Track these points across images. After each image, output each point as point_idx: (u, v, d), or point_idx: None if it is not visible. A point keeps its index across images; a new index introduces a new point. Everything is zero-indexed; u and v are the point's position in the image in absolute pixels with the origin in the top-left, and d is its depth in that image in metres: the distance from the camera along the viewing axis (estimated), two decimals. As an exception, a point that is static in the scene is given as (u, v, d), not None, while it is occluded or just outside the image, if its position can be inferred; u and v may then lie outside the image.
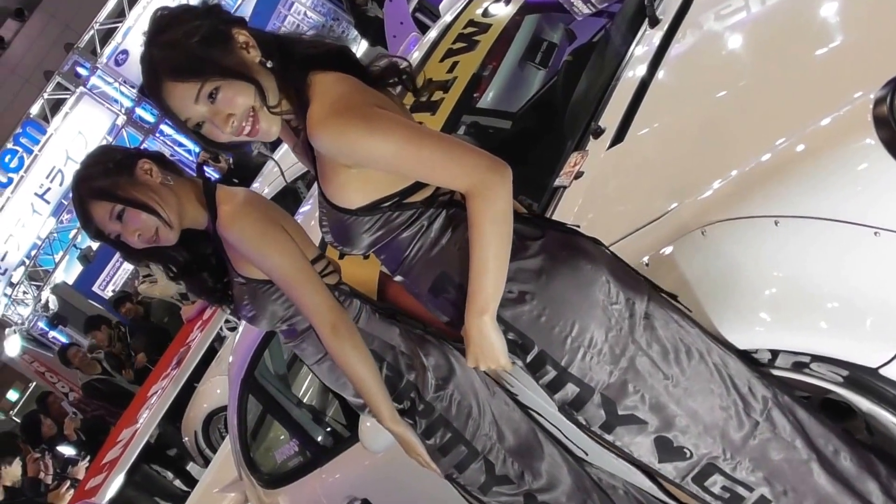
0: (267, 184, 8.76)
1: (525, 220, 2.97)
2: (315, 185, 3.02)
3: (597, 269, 2.88)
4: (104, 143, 22.55)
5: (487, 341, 2.90)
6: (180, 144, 22.79)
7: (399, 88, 3.05)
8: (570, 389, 2.92)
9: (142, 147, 18.82)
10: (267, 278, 3.23)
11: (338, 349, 3.20)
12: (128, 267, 22.73)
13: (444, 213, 2.93)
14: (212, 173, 12.67)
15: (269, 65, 2.81)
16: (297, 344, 3.50)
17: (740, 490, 2.93)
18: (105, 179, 3.17)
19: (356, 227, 2.91)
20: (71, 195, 3.28)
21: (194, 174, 3.37)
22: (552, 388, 2.96)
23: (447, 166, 2.73)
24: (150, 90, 2.83)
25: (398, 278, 3.10)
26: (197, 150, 17.79)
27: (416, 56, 5.98)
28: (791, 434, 2.88)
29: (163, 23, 2.82)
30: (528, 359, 2.95)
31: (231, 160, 13.08)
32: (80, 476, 10.11)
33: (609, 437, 2.96)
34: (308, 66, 2.83)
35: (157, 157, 3.28)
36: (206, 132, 2.84)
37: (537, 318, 2.88)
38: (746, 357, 2.94)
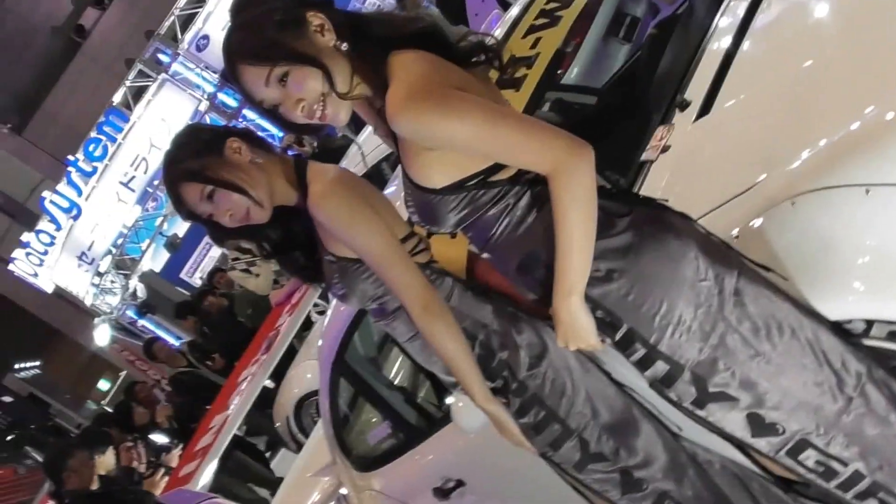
0: (351, 167, 8.78)
1: (612, 196, 2.97)
2: (400, 166, 3.05)
3: (685, 246, 2.87)
4: (188, 127, 22.61)
5: (577, 322, 2.92)
6: (263, 129, 22.79)
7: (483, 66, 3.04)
8: (660, 367, 2.92)
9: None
10: (357, 257, 3.27)
11: (429, 328, 3.22)
12: (214, 253, 22.89)
13: (530, 191, 2.92)
14: (297, 157, 12.69)
15: (343, 48, 2.85)
16: (388, 322, 3.53)
17: (835, 465, 2.91)
18: (194, 161, 3.21)
19: (441, 206, 2.94)
20: (161, 177, 3.34)
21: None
22: (642, 365, 2.96)
23: (525, 148, 2.74)
24: (228, 71, 2.90)
25: (486, 255, 3.13)
26: (280, 134, 17.81)
27: (498, 33, 5.97)
28: (886, 409, 2.85)
29: (243, 2, 2.89)
30: (617, 336, 2.95)
31: (315, 144, 13.12)
32: (174, 464, 10.20)
33: (701, 413, 2.97)
34: (388, 46, 2.84)
35: (246, 135, 3.31)
36: (282, 112, 2.89)
37: (625, 296, 2.88)
38: (840, 330, 2.91)
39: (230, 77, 2.91)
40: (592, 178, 2.75)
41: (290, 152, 12.25)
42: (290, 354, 10.55)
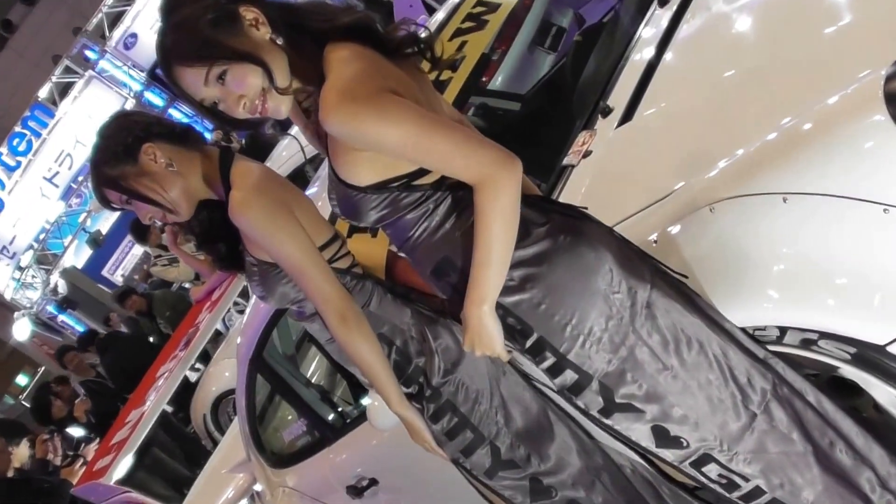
0: (277, 166, 8.74)
1: (531, 204, 2.95)
2: (322, 168, 3.02)
3: (600, 257, 2.86)
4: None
5: (485, 329, 2.91)
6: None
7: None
8: (569, 375, 2.93)
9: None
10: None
11: (345, 338, 3.21)
12: (137, 251, 22.81)
13: (451, 196, 2.91)
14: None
15: (279, 41, 2.80)
16: (308, 323, 3.52)
17: (737, 479, 2.94)
18: (112, 168, 3.22)
19: (363, 203, 2.90)
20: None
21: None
22: (552, 373, 2.96)
23: (456, 159, 2.70)
24: (165, 73, 2.84)
25: (403, 253, 3.11)
26: (208, 132, 17.74)
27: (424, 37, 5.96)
28: (788, 426, 2.88)
29: (172, 2, 2.82)
30: (528, 344, 2.94)
31: (243, 140, 13.07)
32: (91, 457, 10.13)
33: (607, 422, 2.97)
34: (323, 40, 2.80)
35: (168, 133, 3.28)
36: (223, 109, 2.84)
37: (537, 305, 2.87)
38: (748, 346, 2.92)
39: (167, 79, 2.84)
40: (518, 192, 2.73)
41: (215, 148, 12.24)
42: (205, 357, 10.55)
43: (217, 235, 3.40)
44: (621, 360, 2.86)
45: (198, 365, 11.69)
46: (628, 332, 2.85)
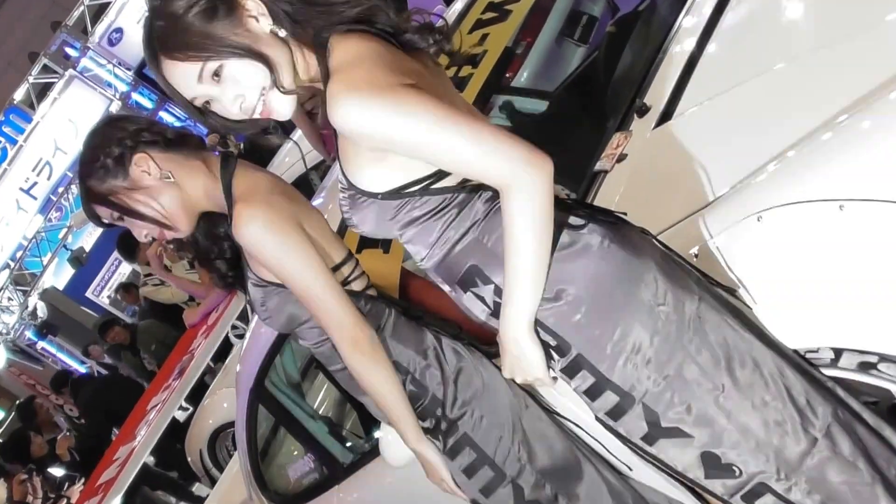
0: (279, 174, 8.74)
1: (566, 207, 2.92)
2: (329, 176, 3.02)
3: (644, 265, 2.82)
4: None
5: (524, 353, 2.88)
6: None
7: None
8: (610, 398, 2.86)
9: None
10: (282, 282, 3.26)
11: (359, 367, 3.22)
12: (124, 269, 22.77)
13: (478, 200, 2.89)
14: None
15: (281, 34, 2.77)
16: (317, 348, 3.52)
17: None
18: (101, 183, 3.22)
19: (380, 212, 2.90)
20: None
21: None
22: (590, 395, 2.90)
23: (478, 158, 2.64)
24: (152, 66, 2.82)
25: (426, 266, 3.06)
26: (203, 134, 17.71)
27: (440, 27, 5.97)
28: (853, 454, 2.81)
29: None
30: (564, 363, 2.89)
31: (242, 145, 13.06)
32: (76, 498, 10.16)
33: (651, 450, 2.91)
34: (328, 31, 2.76)
35: (162, 139, 3.27)
36: (217, 110, 2.82)
37: (575, 318, 2.82)
38: (804, 365, 2.89)
39: (154, 73, 2.83)
40: (551, 196, 2.68)
41: (214, 154, 12.24)
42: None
43: (219, 252, 3.41)
44: (668, 380, 2.80)
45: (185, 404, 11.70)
46: (675, 349, 2.79)
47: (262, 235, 3.10)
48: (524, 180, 2.63)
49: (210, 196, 3.27)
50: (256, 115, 2.81)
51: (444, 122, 2.62)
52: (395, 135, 2.63)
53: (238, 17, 2.74)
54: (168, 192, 3.21)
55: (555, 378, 2.97)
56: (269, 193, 3.19)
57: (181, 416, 11.45)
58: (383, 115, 2.60)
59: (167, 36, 2.74)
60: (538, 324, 2.86)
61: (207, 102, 2.82)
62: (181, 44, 2.72)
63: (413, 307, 3.46)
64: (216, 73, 2.73)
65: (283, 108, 2.82)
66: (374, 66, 2.68)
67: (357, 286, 3.35)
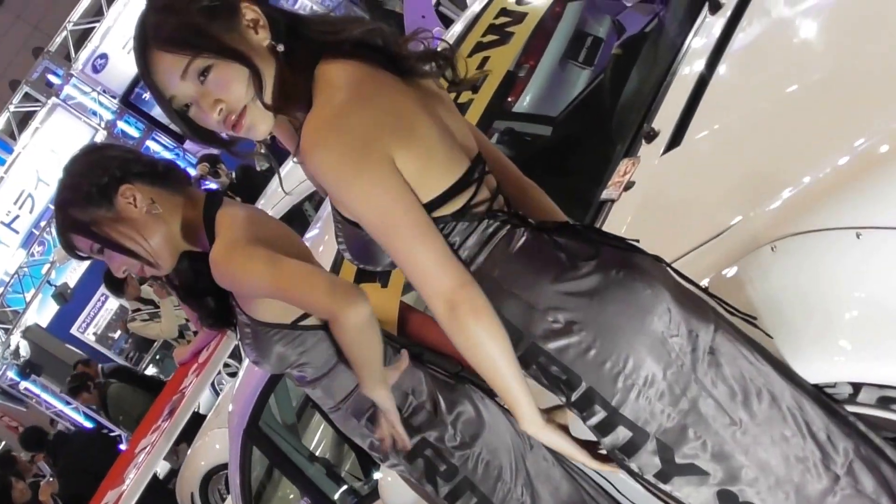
0: (271, 205, 8.75)
1: (577, 234, 2.90)
2: (324, 207, 3.01)
3: (657, 295, 2.80)
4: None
5: (551, 444, 2.93)
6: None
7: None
8: (622, 433, 2.84)
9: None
10: (272, 322, 3.25)
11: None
12: (111, 306, 22.73)
13: (479, 227, 2.86)
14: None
15: (279, 48, 2.76)
16: (310, 389, 3.51)
17: None
18: (82, 212, 3.22)
19: (376, 243, 2.85)
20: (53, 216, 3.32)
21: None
22: (601, 430, 2.88)
23: (415, 274, 2.71)
24: (138, 60, 2.79)
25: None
26: (192, 167, 17.71)
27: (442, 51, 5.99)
28: (875, 491, 2.80)
29: None
30: (574, 397, 2.86)
31: (233, 174, 13.07)
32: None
33: (665, 487, 2.90)
34: (319, 53, 2.77)
35: (149, 172, 3.29)
36: (193, 116, 2.80)
37: (586, 350, 2.79)
38: (824, 399, 2.89)
39: (139, 64, 2.80)
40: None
41: (203, 183, 12.23)
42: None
43: (203, 289, 3.41)
44: (682, 414, 2.78)
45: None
46: (690, 382, 2.77)
47: (238, 274, 3.13)
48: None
49: (191, 234, 3.28)
50: (231, 130, 2.79)
51: (395, 221, 2.69)
52: (353, 206, 2.70)
53: (237, 23, 2.75)
54: (152, 226, 3.22)
55: (604, 455, 2.97)
56: (245, 231, 3.19)
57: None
58: (347, 182, 2.65)
59: (162, 25, 2.73)
60: (548, 357, 2.85)
61: (186, 107, 2.80)
62: (175, 35, 2.71)
63: (412, 344, 3.45)
64: (203, 73, 2.71)
65: (261, 125, 2.79)
66: (355, 106, 2.68)
67: None
